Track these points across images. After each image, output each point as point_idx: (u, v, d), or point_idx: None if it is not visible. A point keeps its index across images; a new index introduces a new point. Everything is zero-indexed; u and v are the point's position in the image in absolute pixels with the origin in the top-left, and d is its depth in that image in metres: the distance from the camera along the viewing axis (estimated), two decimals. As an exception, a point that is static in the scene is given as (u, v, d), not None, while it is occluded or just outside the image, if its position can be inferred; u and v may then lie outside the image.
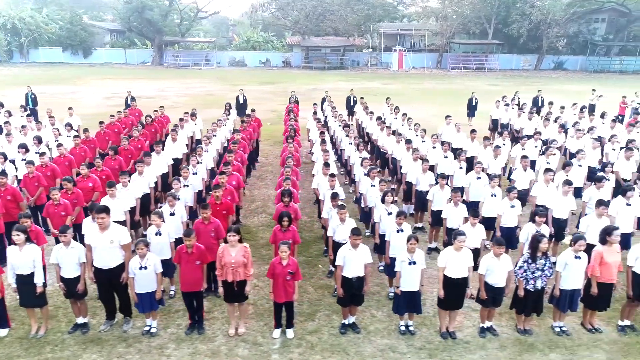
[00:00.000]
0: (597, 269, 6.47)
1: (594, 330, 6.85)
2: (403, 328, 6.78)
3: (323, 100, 20.62)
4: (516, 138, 14.97)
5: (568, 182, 8.37)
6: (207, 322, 6.87)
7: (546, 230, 7.41)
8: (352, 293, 6.47)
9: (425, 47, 53.62)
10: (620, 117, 20.81)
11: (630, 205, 8.16)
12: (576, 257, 6.44)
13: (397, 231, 7.12)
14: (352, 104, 20.82)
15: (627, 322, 6.92)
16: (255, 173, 14.24)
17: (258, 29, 59.16)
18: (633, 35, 53.15)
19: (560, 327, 6.84)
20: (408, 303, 6.54)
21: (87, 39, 51.99)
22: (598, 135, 14.40)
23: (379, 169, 10.17)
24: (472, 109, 21.47)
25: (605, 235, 6.46)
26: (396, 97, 31.98)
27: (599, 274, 6.48)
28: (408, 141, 11.49)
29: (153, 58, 53.31)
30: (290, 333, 6.61)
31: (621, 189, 8.38)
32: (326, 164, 9.44)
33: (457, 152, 13.04)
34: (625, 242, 7.77)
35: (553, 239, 8.32)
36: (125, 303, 6.59)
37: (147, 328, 6.60)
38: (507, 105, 17.14)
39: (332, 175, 8.89)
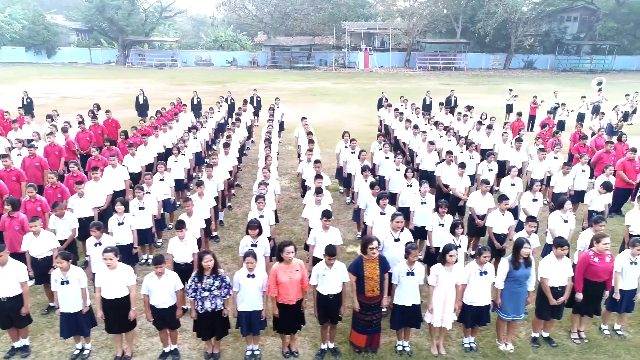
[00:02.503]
0: (274, 288, 5.87)
1: (288, 354, 6.26)
2: (77, 351, 6.21)
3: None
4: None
5: (317, 190, 7.76)
6: None
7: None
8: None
9: (390, 46, 52.84)
10: (532, 117, 20.25)
11: (384, 214, 7.56)
12: (248, 276, 5.85)
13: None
14: (255, 104, 20.22)
15: (330, 345, 6.33)
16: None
17: (230, 27, 58.67)
18: (602, 34, 52.12)
19: (252, 351, 6.25)
20: (70, 325, 5.98)
21: (50, 39, 51.59)
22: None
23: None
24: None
25: (279, 252, 5.87)
26: (333, 97, 31.39)
27: (276, 294, 5.89)
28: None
29: (118, 58, 52.98)
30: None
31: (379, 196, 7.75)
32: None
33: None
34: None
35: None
36: None
37: None
38: (390, 106, 16.51)
39: None
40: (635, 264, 6.32)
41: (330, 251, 5.80)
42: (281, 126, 17.52)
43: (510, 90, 22.09)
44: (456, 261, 5.97)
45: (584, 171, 10.47)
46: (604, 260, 6.18)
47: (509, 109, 21.81)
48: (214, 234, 9.42)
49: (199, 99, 20.32)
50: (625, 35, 54.96)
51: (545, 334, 6.61)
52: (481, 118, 15.32)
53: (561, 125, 18.09)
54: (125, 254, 7.22)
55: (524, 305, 6.19)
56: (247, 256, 5.80)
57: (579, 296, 6.32)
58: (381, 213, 7.56)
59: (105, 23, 50.41)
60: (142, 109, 20.31)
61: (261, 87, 35.14)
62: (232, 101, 20.12)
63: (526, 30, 49.18)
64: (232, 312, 6.06)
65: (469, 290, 6.08)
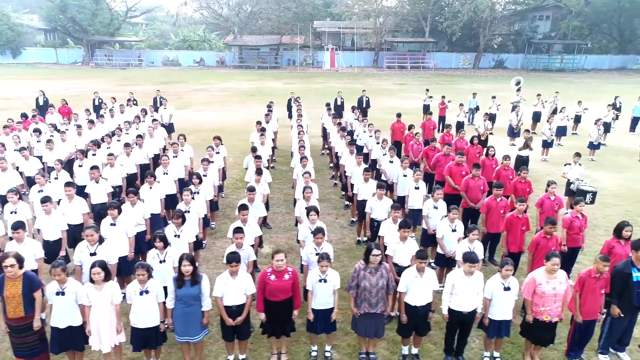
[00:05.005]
0: None
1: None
2: None
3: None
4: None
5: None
6: None
7: None
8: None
9: (359, 46, 52.25)
10: (442, 119, 19.68)
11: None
12: None
13: None
14: (158, 104, 19.74)
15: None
16: None
17: (201, 28, 58.22)
18: (567, 34, 51.35)
19: None
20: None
21: (15, 39, 51.24)
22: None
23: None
24: (291, 110, 20.39)
25: None
26: (271, 97, 30.17)
27: None
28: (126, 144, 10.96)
29: (84, 58, 52.64)
30: None
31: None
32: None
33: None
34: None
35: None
36: None
37: None
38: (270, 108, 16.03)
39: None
40: (325, 281, 5.78)
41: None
42: (170, 127, 17.16)
43: (427, 90, 21.54)
44: (104, 279, 5.45)
45: (405, 175, 9.88)
46: (281, 278, 5.63)
47: (426, 109, 21.26)
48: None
49: (100, 100, 19.87)
50: (603, 35, 54.27)
51: (242, 356, 6.08)
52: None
53: (460, 126, 17.52)
54: None
55: (198, 326, 5.65)
56: None
57: (261, 316, 5.78)
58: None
59: (69, 23, 50.04)
60: (42, 110, 19.83)
61: (206, 88, 34.92)
62: (135, 102, 19.65)
63: (495, 30, 48.45)
64: None
65: (132, 312, 5.56)
